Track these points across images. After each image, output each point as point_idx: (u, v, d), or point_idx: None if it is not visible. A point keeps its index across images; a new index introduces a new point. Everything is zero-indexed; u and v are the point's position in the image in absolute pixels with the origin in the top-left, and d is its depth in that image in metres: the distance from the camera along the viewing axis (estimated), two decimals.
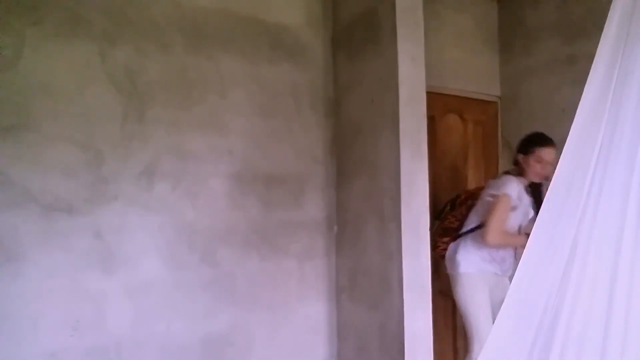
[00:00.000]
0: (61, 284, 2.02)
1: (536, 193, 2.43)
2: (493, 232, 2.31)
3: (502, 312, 1.27)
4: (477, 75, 3.23)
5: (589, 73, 1.25)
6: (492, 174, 3.30)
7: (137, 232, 2.19)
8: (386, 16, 2.41)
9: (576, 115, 1.26)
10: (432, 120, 2.90)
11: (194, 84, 2.37)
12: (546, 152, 2.35)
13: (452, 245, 2.58)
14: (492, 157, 3.31)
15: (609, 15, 1.23)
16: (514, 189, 2.37)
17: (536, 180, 2.41)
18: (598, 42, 1.29)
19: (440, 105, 3.01)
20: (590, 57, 1.39)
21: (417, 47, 2.40)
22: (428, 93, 2.47)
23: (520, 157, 2.44)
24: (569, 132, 1.25)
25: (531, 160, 2.38)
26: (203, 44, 2.40)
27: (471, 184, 3.18)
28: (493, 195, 2.39)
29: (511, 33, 3.26)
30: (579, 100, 1.28)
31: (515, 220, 2.43)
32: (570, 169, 1.26)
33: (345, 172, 2.73)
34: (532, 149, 2.39)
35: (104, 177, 2.12)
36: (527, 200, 2.42)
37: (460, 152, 3.15)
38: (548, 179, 2.15)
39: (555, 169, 2.10)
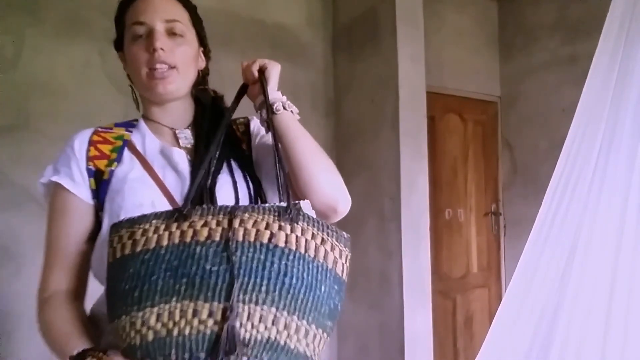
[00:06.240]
0: None
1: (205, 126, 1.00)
2: None
3: (500, 312, 1.27)
4: (477, 75, 3.23)
5: (589, 73, 1.25)
6: (492, 173, 3.31)
7: None
8: (386, 16, 2.41)
9: (575, 116, 1.27)
10: (432, 120, 2.90)
11: None
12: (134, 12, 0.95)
13: None
14: (492, 157, 3.31)
15: (608, 15, 1.23)
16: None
17: (154, 96, 0.96)
18: (598, 42, 1.29)
19: (440, 105, 3.01)
20: (590, 57, 1.39)
21: (417, 47, 2.41)
22: (428, 93, 2.47)
23: (123, 65, 1.02)
24: (569, 132, 1.25)
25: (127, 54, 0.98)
26: None
27: (471, 184, 3.18)
28: None
29: (511, 33, 3.26)
30: (579, 100, 1.28)
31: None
32: (571, 169, 1.26)
33: (345, 172, 2.71)
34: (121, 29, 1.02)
35: None
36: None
37: (460, 152, 3.15)
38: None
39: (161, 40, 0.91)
